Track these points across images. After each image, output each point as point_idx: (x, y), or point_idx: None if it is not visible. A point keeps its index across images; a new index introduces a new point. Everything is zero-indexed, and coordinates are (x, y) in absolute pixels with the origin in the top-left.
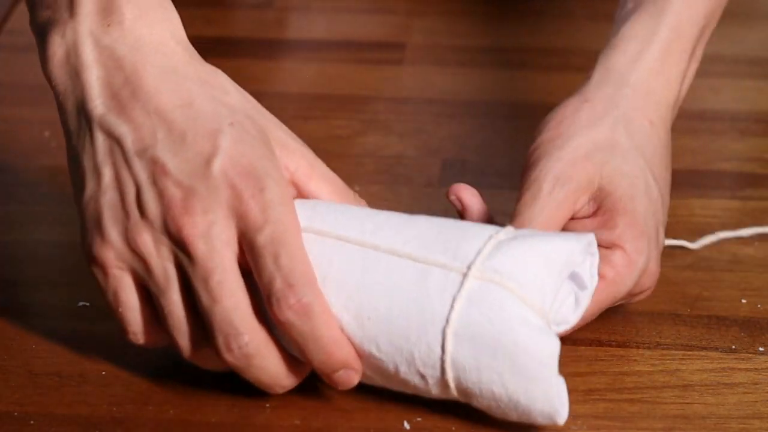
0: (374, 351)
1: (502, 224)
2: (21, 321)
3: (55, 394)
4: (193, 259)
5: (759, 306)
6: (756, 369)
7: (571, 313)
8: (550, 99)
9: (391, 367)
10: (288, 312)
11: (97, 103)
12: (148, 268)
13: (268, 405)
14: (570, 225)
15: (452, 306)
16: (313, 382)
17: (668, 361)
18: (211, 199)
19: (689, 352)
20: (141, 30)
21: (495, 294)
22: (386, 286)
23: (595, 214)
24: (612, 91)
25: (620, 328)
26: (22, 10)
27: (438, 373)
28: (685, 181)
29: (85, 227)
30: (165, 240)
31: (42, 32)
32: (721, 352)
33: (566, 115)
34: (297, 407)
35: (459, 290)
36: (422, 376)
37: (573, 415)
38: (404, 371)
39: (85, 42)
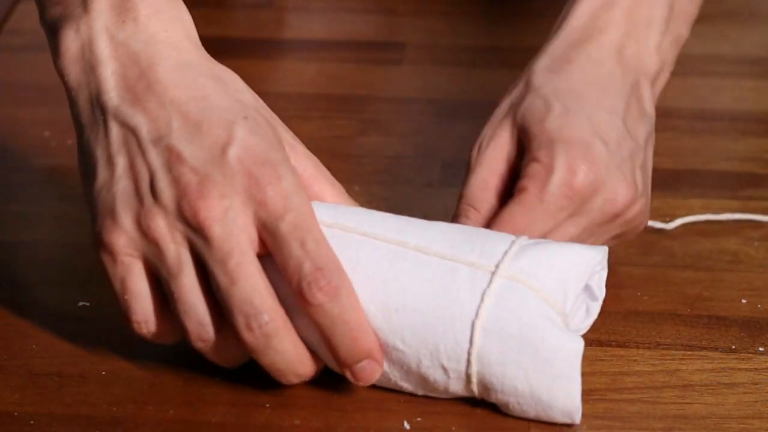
0: (399, 344)
1: None
2: (21, 321)
3: (55, 394)
4: (210, 241)
5: (759, 306)
6: (756, 369)
7: (582, 322)
8: None
9: (413, 361)
10: (318, 294)
11: (112, 95)
12: (160, 252)
13: (268, 405)
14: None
15: (482, 300)
16: (312, 382)
17: (668, 361)
18: (227, 185)
19: (689, 352)
20: (155, 27)
21: (522, 293)
22: (414, 280)
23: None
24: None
25: (620, 328)
26: (23, 10)
27: (462, 366)
28: (685, 181)
29: (95, 215)
30: (180, 225)
31: (53, 28)
32: (721, 352)
33: None
34: (297, 407)
35: (488, 286)
36: (444, 370)
37: None
38: (426, 365)
39: (100, 37)
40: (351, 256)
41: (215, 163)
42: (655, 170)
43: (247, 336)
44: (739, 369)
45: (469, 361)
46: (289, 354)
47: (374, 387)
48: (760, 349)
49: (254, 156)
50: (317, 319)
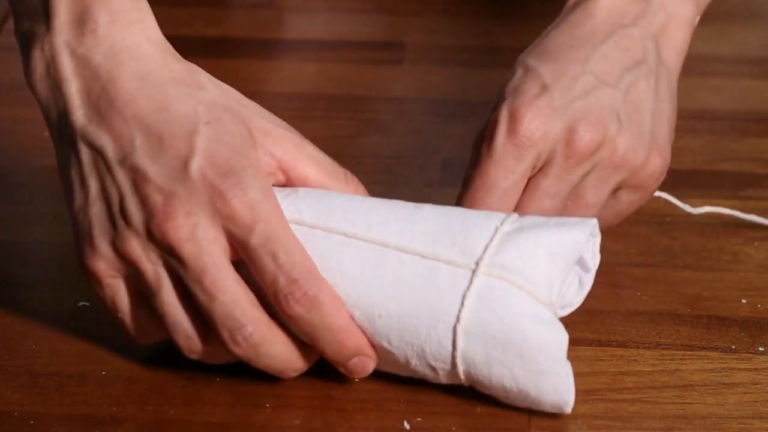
0: (385, 345)
1: None
2: (21, 321)
3: (55, 394)
4: (183, 261)
5: (759, 306)
6: (756, 369)
7: (575, 296)
8: None
9: (402, 359)
10: (296, 307)
11: (78, 114)
12: (139, 272)
13: (268, 405)
14: None
15: (462, 304)
16: (312, 382)
17: (668, 361)
18: (192, 201)
19: (689, 352)
20: (115, 36)
21: (504, 290)
22: (396, 285)
23: None
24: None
25: (620, 328)
26: None
27: (449, 366)
28: (685, 181)
29: (77, 238)
30: (152, 246)
31: (25, 43)
32: (721, 352)
33: None
34: (297, 407)
35: (468, 287)
36: (433, 369)
37: (573, 415)
38: (415, 363)
39: (62, 54)
40: (333, 261)
41: (179, 179)
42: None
43: (235, 349)
44: (739, 369)
45: (454, 363)
46: (281, 355)
47: (374, 382)
48: (760, 349)
49: (217, 166)
50: (299, 329)
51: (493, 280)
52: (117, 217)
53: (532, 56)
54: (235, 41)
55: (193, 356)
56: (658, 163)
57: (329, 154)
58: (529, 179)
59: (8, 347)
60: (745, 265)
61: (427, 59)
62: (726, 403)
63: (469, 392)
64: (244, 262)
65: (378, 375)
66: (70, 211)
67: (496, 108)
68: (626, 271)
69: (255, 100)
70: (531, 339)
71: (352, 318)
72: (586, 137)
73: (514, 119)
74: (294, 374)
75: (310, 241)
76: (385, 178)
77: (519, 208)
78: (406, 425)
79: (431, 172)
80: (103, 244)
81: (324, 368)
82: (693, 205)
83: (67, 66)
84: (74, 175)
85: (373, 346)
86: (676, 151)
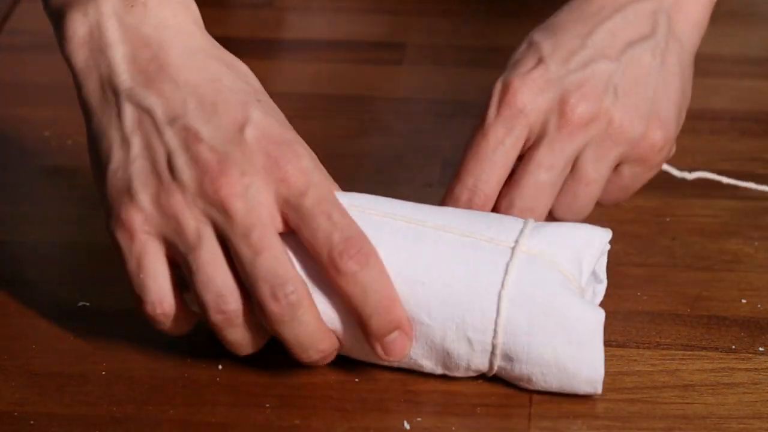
0: (424, 317)
1: None
2: (21, 321)
3: (55, 394)
4: (232, 216)
5: (759, 306)
6: (756, 369)
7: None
8: None
9: (438, 334)
10: (350, 262)
11: (125, 77)
12: (179, 227)
13: (268, 405)
14: None
15: (506, 272)
16: (312, 382)
17: (668, 361)
18: (247, 163)
19: (689, 352)
20: (164, 12)
21: (544, 265)
22: (438, 255)
23: None
24: None
25: (620, 328)
26: (23, 10)
27: (488, 337)
28: (685, 181)
29: (110, 197)
30: (199, 202)
31: (59, 13)
32: (721, 352)
33: None
34: (297, 407)
35: (511, 259)
36: (469, 342)
37: (573, 415)
38: (451, 338)
39: (108, 21)
40: (373, 235)
41: (233, 142)
42: None
43: (272, 306)
44: (739, 369)
45: (495, 332)
46: (312, 326)
47: (374, 382)
48: (760, 349)
49: (271, 136)
50: (349, 289)
51: (533, 257)
52: (163, 172)
53: (538, 31)
54: (235, 41)
55: (218, 318)
56: (658, 135)
57: (329, 154)
58: (526, 152)
59: (8, 347)
60: (745, 265)
61: (427, 59)
62: (726, 403)
63: (469, 392)
64: (293, 227)
65: (378, 375)
66: (102, 175)
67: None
68: (626, 271)
69: None
70: (573, 310)
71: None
72: (578, 108)
73: (505, 90)
74: (315, 356)
75: None
76: (385, 178)
77: (513, 181)
78: (406, 425)
79: (431, 172)
80: (144, 197)
81: (324, 368)
82: (693, 205)
83: (114, 32)
84: (114, 134)
85: (413, 321)
86: (676, 150)
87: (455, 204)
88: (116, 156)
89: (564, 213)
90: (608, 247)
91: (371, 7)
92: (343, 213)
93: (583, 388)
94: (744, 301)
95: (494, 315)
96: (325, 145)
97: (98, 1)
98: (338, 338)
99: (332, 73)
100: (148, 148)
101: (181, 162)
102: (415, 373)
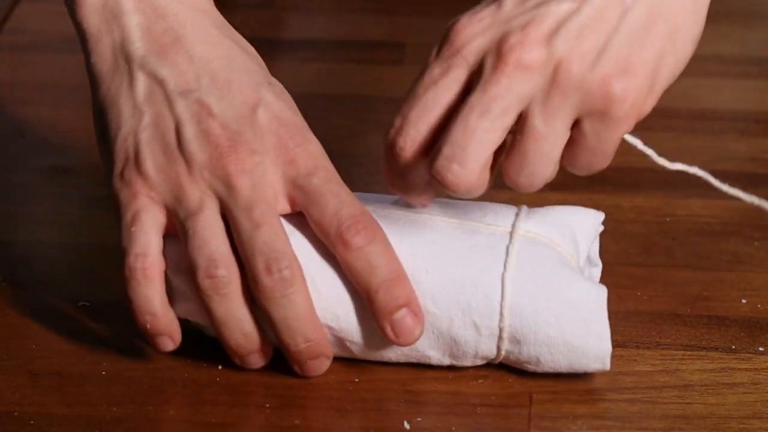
0: (430, 306)
1: None
2: (21, 321)
3: (55, 394)
4: (237, 191)
5: (759, 306)
6: (756, 369)
7: None
8: None
9: (444, 322)
10: (357, 237)
11: (138, 45)
12: (181, 195)
13: (268, 405)
14: None
15: (507, 255)
16: (312, 382)
17: (668, 361)
18: (257, 142)
19: (689, 352)
20: None
21: (543, 246)
22: (438, 243)
23: None
24: None
25: (620, 328)
26: (23, 10)
27: (495, 322)
28: (685, 180)
29: (116, 157)
30: (206, 174)
31: None
32: (721, 352)
33: None
34: (297, 407)
35: (510, 242)
36: (476, 328)
37: (573, 415)
38: (458, 325)
39: None
40: None
41: (245, 121)
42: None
43: (265, 279)
44: (739, 369)
45: (501, 314)
46: (302, 309)
47: (374, 382)
48: (760, 349)
49: (282, 119)
50: (356, 264)
51: (530, 240)
52: (171, 142)
53: None
54: None
55: (206, 283)
56: (616, 85)
57: (329, 153)
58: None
59: (8, 347)
60: (745, 265)
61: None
62: (726, 403)
63: (469, 392)
64: (301, 207)
65: (378, 375)
66: (109, 140)
67: None
68: (626, 271)
69: None
70: (576, 287)
71: None
72: (516, 48)
73: (449, 30)
74: (303, 345)
75: None
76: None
77: (448, 128)
78: (406, 425)
79: None
80: (150, 165)
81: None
82: (693, 205)
83: (128, 1)
84: (124, 101)
85: None
86: (676, 150)
87: (385, 150)
88: (127, 123)
89: (515, 174)
90: (601, 228)
91: (371, 7)
92: (350, 193)
93: (592, 365)
94: (744, 301)
95: (499, 298)
96: (325, 145)
97: None
98: (342, 330)
99: (332, 73)
100: (159, 117)
101: (191, 134)
102: (415, 373)
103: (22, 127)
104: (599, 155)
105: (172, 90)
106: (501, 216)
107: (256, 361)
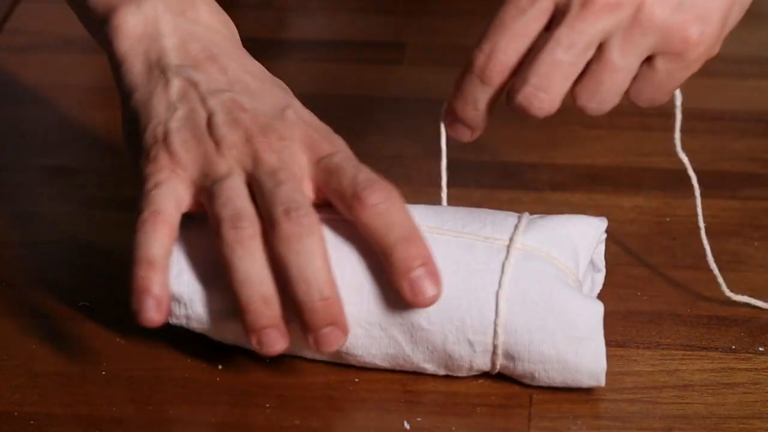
0: (424, 323)
1: None
2: (21, 321)
3: (55, 394)
4: (264, 162)
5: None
6: (756, 369)
7: (589, 293)
8: None
9: (439, 339)
10: (373, 195)
11: (173, 58)
12: (209, 167)
13: (268, 405)
14: None
15: (502, 271)
16: (312, 382)
17: (668, 361)
18: (286, 133)
19: (689, 352)
20: (214, 23)
21: (540, 261)
22: (434, 258)
23: None
24: None
25: (620, 328)
26: (23, 10)
27: (489, 338)
28: (685, 181)
29: (146, 143)
30: (234, 151)
31: (109, 6)
32: (721, 352)
33: None
34: (297, 407)
35: (506, 257)
36: (470, 344)
37: (573, 415)
38: (452, 341)
39: (163, 17)
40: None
41: (275, 117)
42: (655, 170)
43: (284, 223)
44: (739, 369)
45: (495, 332)
46: (319, 261)
47: (374, 382)
48: (760, 349)
49: (308, 121)
50: (372, 221)
51: (529, 253)
52: (201, 128)
53: None
54: None
55: (230, 234)
56: (694, 30)
57: None
58: (549, 31)
59: (8, 347)
60: (745, 265)
61: (427, 59)
62: (726, 403)
63: (469, 392)
64: (324, 184)
65: (378, 375)
66: (141, 132)
67: None
68: (626, 271)
69: None
70: (571, 305)
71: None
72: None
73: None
74: (318, 303)
75: (344, 229)
76: (385, 178)
77: (530, 58)
78: (406, 425)
79: (431, 172)
80: (177, 144)
81: (324, 368)
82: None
83: (167, 25)
84: (157, 101)
85: (411, 330)
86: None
87: (472, 70)
88: (159, 116)
89: (587, 99)
90: (604, 235)
91: (371, 7)
92: (370, 170)
93: (586, 382)
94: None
95: (493, 316)
96: None
97: (153, 1)
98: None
99: (332, 73)
100: (192, 112)
101: (221, 122)
102: (415, 373)
103: (22, 127)
104: (664, 92)
105: (205, 89)
106: (499, 227)
107: (275, 339)
